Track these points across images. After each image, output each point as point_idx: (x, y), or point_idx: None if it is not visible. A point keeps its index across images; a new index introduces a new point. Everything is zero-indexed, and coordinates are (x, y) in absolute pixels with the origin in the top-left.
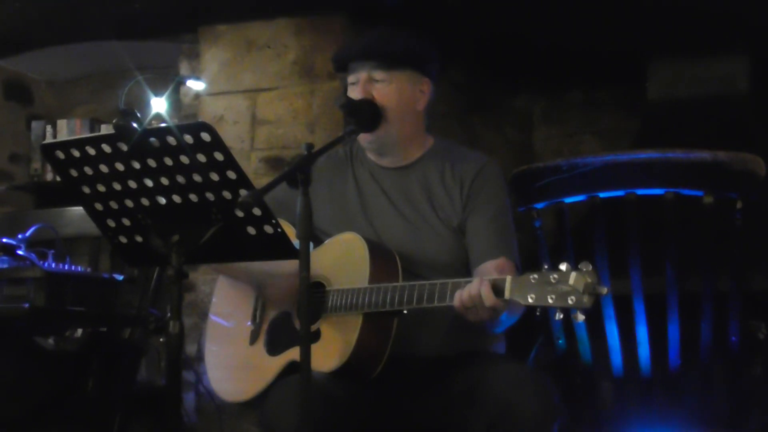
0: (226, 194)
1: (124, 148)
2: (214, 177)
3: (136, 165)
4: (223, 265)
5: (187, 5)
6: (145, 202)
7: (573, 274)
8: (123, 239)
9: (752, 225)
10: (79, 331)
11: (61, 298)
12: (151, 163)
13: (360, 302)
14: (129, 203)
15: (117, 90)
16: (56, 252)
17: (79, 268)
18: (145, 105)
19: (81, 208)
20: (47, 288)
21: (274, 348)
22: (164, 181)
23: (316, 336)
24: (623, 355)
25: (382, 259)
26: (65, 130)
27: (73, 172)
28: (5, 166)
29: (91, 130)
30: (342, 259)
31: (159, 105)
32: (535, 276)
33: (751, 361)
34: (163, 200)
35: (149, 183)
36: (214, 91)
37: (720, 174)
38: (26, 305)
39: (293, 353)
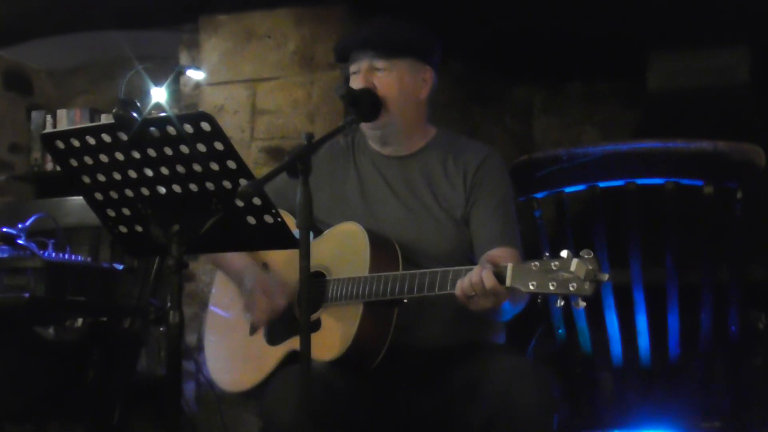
0: (226, 184)
1: (124, 137)
2: (214, 167)
3: (136, 155)
4: (220, 264)
5: None
6: (145, 191)
7: (574, 261)
8: (123, 229)
9: (752, 215)
10: (80, 321)
11: (61, 288)
12: (151, 152)
13: (360, 292)
14: (129, 193)
15: (117, 80)
16: (56, 242)
17: (79, 258)
18: (145, 95)
19: (81, 197)
20: (47, 278)
21: (274, 338)
22: (164, 170)
23: (316, 326)
24: (623, 345)
25: (382, 248)
26: (65, 119)
27: (73, 162)
28: (5, 156)
29: (91, 120)
30: (342, 248)
31: (159, 95)
32: (537, 263)
33: (750, 351)
34: (163, 190)
35: (149, 173)
36: (214, 80)
37: (720, 164)
38: (26, 295)
39: (293, 343)
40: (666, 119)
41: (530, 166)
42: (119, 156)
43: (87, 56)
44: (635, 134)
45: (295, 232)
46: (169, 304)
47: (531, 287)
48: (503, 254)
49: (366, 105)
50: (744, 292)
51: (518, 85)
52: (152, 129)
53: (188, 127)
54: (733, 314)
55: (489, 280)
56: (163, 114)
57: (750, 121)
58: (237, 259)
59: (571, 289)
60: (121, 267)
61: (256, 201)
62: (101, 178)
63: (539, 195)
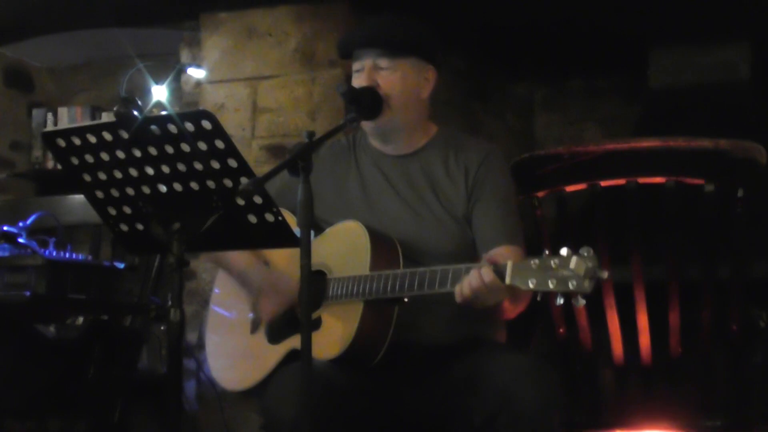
0: (227, 182)
1: (125, 135)
2: (215, 165)
3: (137, 153)
4: (221, 262)
5: None
6: (146, 189)
7: (574, 259)
8: (124, 227)
9: (753, 213)
10: (80, 319)
11: (62, 286)
12: (152, 150)
13: (361, 290)
14: (130, 191)
15: (118, 77)
16: (57, 240)
17: (80, 256)
18: (146, 93)
19: (82, 195)
20: (48, 276)
21: (274, 336)
22: (165, 168)
23: (316, 324)
24: (624, 343)
25: (383, 247)
26: (66, 117)
27: (74, 160)
28: (6, 153)
29: (92, 118)
30: (343, 247)
31: (160, 93)
32: (536, 261)
33: (751, 349)
34: (164, 188)
35: (150, 171)
36: (215, 78)
37: (721, 162)
38: (27, 293)
39: (294, 341)
40: (667, 116)
41: (531, 164)
42: (120, 154)
43: (88, 54)
44: (636, 131)
45: (296, 230)
46: (169, 302)
47: (530, 285)
48: (506, 252)
49: (367, 103)
50: (745, 289)
51: (519, 81)
52: (153, 127)
53: (189, 125)
54: (734, 312)
55: (488, 275)
56: (164, 112)
57: (751, 117)
58: (239, 258)
59: (570, 286)
60: (122, 265)
61: (257, 199)
62: (102, 176)
63: (540, 193)
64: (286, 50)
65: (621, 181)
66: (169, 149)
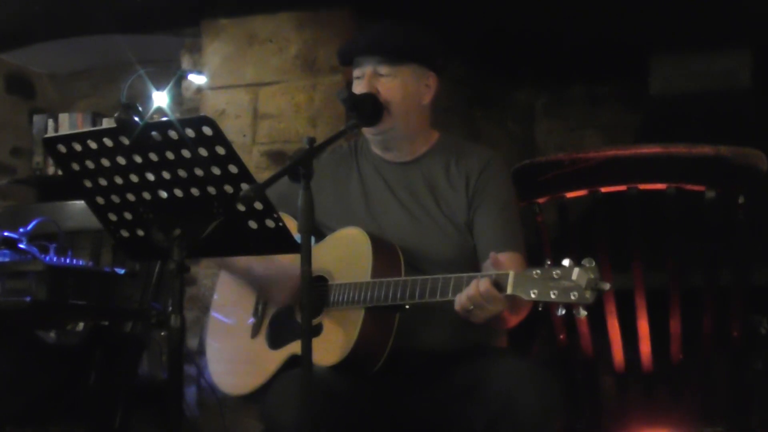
0: (228, 188)
1: (126, 142)
2: (216, 171)
3: (138, 159)
4: (225, 262)
5: None
6: (146, 195)
7: (576, 270)
8: (125, 233)
9: (754, 220)
10: (81, 325)
11: (62, 292)
12: (153, 157)
13: (362, 297)
14: (131, 197)
15: (119, 84)
16: (58, 246)
17: (81, 262)
18: (146, 99)
19: (83, 201)
20: (49, 282)
21: (275, 342)
22: (166, 174)
23: (317, 330)
24: (625, 349)
25: (385, 254)
26: (67, 123)
27: (75, 166)
28: (7, 159)
29: (93, 124)
30: (344, 253)
31: (161, 99)
32: (538, 271)
33: (752, 356)
34: (164, 194)
35: (151, 177)
36: (215, 85)
37: (722, 169)
38: (28, 299)
39: (294, 347)
40: (668, 123)
41: (531, 171)
42: (121, 160)
43: (89, 60)
44: (637, 138)
45: (297, 236)
46: (170, 308)
47: (532, 295)
48: (507, 259)
49: (367, 109)
50: (745, 296)
51: (520, 88)
52: (154, 133)
53: (190, 132)
54: (735, 319)
55: (484, 285)
56: (164, 118)
57: (752, 124)
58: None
59: (572, 298)
60: (122, 271)
61: (258, 205)
62: (103, 182)
63: (540, 199)
64: (287, 57)
65: (622, 188)
66: (170, 155)
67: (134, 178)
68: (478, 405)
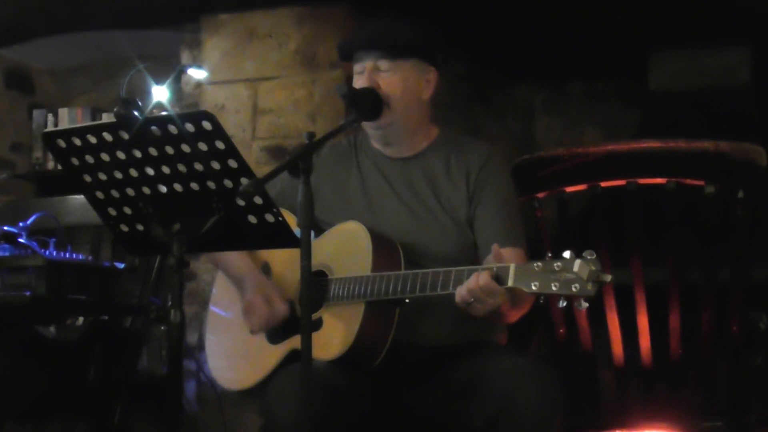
0: (228, 183)
1: (126, 136)
2: (216, 166)
3: (138, 154)
4: (221, 264)
5: None
6: (146, 190)
7: (577, 262)
8: (124, 228)
9: (753, 215)
10: (81, 320)
11: (62, 287)
12: (153, 151)
13: (362, 291)
14: (130, 192)
15: (118, 79)
16: (57, 240)
17: (81, 257)
18: (146, 94)
19: (82, 196)
20: (48, 276)
21: (275, 337)
22: (165, 169)
23: (317, 324)
24: (624, 344)
25: (384, 249)
26: (66, 118)
27: (75, 161)
28: (7, 154)
29: (93, 119)
30: (344, 248)
31: (160, 94)
32: (539, 264)
33: (751, 351)
34: (164, 189)
35: (150, 171)
36: (215, 80)
37: (721, 164)
38: (27, 293)
39: (294, 341)
40: (667, 119)
41: (531, 166)
42: (120, 155)
43: (88, 55)
44: (636, 134)
45: (296, 231)
46: (170, 303)
47: (533, 287)
48: (509, 254)
49: (367, 104)
50: (745, 291)
51: (519, 84)
52: (154, 128)
53: (190, 126)
54: (734, 314)
55: (484, 278)
56: (164, 113)
57: (751, 121)
58: (237, 261)
59: (573, 290)
60: (122, 266)
61: (258, 200)
62: (102, 176)
63: (540, 194)
64: (286, 52)
65: (621, 182)
66: (170, 150)
67: (134, 172)
68: (479, 402)
